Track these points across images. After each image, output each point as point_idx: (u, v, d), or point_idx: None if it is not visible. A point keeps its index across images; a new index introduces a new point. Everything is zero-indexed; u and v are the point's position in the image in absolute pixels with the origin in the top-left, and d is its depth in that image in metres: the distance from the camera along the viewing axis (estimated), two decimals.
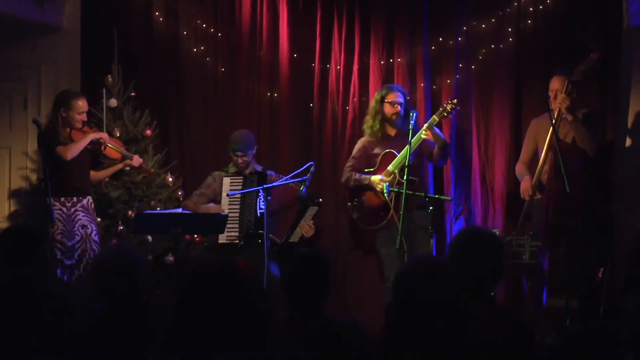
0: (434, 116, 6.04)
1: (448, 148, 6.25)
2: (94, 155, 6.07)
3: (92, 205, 6.03)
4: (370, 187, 6.11)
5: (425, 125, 5.97)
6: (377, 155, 6.17)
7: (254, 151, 6.25)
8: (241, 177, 6.18)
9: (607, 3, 6.33)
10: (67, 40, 7.18)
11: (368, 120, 6.25)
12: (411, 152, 5.86)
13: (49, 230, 5.59)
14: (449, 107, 6.03)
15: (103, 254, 3.80)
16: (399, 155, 5.99)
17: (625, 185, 6.27)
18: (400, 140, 6.00)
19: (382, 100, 6.16)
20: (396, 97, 6.14)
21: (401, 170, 5.91)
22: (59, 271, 5.75)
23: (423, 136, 5.92)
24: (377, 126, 6.17)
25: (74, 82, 7.06)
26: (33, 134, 6.74)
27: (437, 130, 6.01)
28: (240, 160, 6.19)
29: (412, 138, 5.86)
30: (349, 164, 6.31)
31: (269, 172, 6.18)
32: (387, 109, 6.14)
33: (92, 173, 6.13)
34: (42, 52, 7.21)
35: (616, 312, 3.35)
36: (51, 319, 3.27)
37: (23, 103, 7.25)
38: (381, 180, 6.01)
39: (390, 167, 6.01)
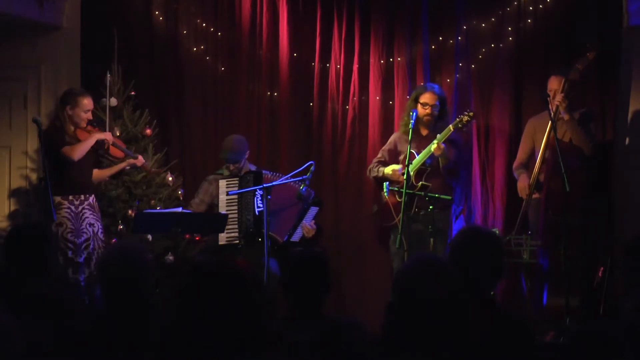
0: (450, 126, 5.98)
1: (453, 168, 6.16)
2: (96, 154, 6.07)
3: (97, 204, 6.06)
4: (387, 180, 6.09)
5: (439, 136, 5.92)
6: (403, 152, 6.17)
7: (246, 156, 6.27)
8: (237, 179, 6.19)
9: (607, 2, 6.33)
10: (67, 39, 7.17)
11: (404, 117, 6.21)
12: (420, 156, 5.92)
13: (52, 229, 5.58)
14: (465, 119, 5.96)
15: (109, 252, 3.79)
16: (417, 157, 5.98)
17: (625, 185, 6.27)
18: (431, 141, 5.97)
19: (416, 100, 6.12)
20: (429, 99, 6.06)
21: (417, 173, 5.93)
22: (71, 271, 5.76)
23: (433, 149, 5.91)
24: (410, 124, 6.15)
25: (73, 81, 7.05)
26: (33, 134, 6.74)
27: (444, 146, 5.94)
28: (232, 167, 6.22)
29: (411, 137, 5.86)
30: (378, 156, 6.31)
31: (264, 171, 6.18)
32: (420, 110, 6.07)
33: (95, 172, 6.13)
34: (41, 52, 7.19)
35: (616, 311, 3.36)
36: (56, 318, 3.28)
37: (23, 102, 7.24)
38: (393, 171, 6.00)
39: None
